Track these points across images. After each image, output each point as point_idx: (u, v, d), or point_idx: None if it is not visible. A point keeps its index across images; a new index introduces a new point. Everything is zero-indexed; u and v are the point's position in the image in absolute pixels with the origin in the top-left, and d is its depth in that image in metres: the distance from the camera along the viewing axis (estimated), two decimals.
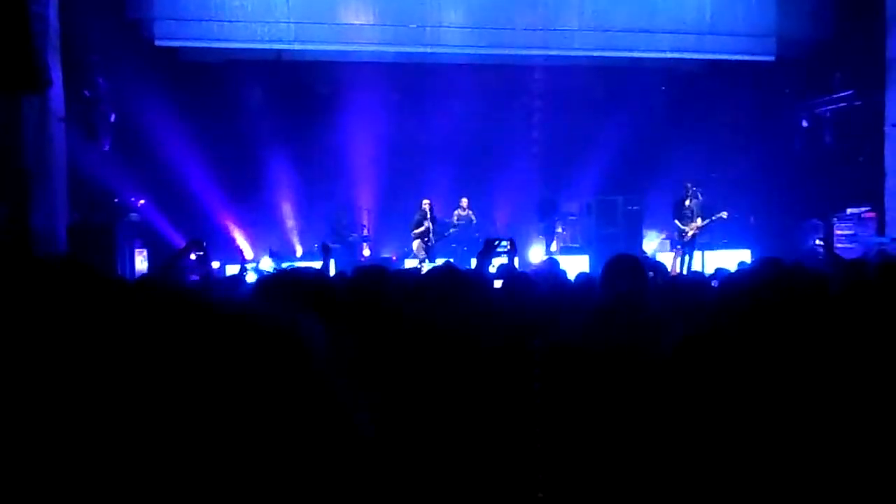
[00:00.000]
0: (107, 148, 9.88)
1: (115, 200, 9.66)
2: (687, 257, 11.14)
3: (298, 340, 1.06)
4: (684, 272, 10.32)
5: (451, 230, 11.90)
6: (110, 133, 9.95)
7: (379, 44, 11.59)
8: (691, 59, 12.55)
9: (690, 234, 11.09)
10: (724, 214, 11.06)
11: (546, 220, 12.35)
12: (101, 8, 9.36)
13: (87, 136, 9.20)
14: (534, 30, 11.64)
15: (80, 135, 8.81)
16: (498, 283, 4.33)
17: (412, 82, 12.74)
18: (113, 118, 9.97)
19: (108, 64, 9.78)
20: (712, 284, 5.01)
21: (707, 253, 11.22)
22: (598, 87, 12.76)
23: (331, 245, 11.76)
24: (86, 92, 9.29)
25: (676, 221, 11.23)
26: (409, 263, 11.67)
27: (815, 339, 1.96)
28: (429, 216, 11.52)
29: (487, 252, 4.37)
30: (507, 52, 12.12)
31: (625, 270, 2.90)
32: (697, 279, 5.47)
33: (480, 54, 12.20)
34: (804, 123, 12.41)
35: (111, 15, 9.74)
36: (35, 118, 7.73)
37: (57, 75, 7.88)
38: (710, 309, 2.75)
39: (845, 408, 1.70)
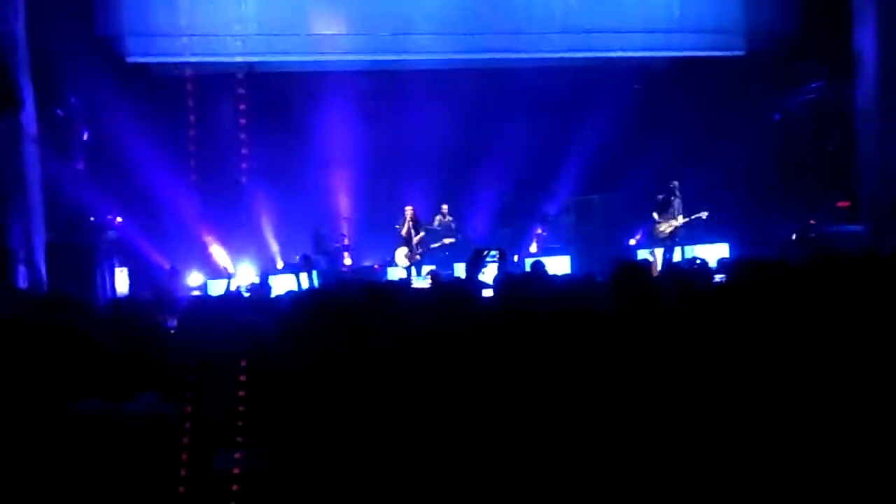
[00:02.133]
0: (81, 167, 9.76)
1: (92, 219, 9.53)
2: (666, 254, 11.24)
3: None
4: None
5: (446, 241, 11.97)
6: (84, 151, 9.83)
7: (352, 53, 11.58)
8: (662, 57, 12.69)
9: (669, 230, 11.21)
10: (704, 214, 11.21)
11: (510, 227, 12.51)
12: (71, 25, 9.25)
13: (61, 155, 9.08)
14: (506, 33, 11.71)
15: (54, 154, 8.69)
16: (487, 293, 4.35)
17: (386, 90, 12.74)
18: (86, 136, 9.86)
19: (80, 82, 9.67)
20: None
21: (686, 248, 11.31)
22: (572, 89, 12.83)
23: (312, 256, 11.82)
24: (58, 111, 9.18)
25: (655, 214, 11.35)
26: (393, 272, 11.65)
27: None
28: (410, 222, 11.54)
29: (476, 262, 4.37)
30: (479, 56, 12.16)
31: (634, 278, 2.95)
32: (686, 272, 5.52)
33: (453, 59, 12.24)
34: (776, 116, 12.60)
35: (81, 32, 9.63)
36: (7, 138, 7.63)
37: (28, 94, 7.79)
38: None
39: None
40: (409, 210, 11.74)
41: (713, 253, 11.05)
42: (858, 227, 10.38)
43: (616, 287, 3.41)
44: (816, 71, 11.85)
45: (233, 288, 9.55)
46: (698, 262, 6.13)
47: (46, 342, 1.39)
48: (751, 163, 12.23)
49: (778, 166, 12.04)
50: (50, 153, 8.44)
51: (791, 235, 11.08)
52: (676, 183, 11.33)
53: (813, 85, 11.94)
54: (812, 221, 11.04)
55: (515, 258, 12.10)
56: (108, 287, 8.73)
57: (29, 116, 7.92)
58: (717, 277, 5.77)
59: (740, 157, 12.12)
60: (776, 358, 1.94)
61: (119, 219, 10.27)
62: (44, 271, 7.73)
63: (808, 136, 12.11)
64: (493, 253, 5.50)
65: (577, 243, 12.35)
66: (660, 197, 11.59)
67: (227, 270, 11.60)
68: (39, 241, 7.84)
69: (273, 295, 6.57)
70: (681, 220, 11.13)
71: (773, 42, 12.07)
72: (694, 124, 12.32)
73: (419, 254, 11.80)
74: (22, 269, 7.32)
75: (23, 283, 7.27)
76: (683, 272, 5.85)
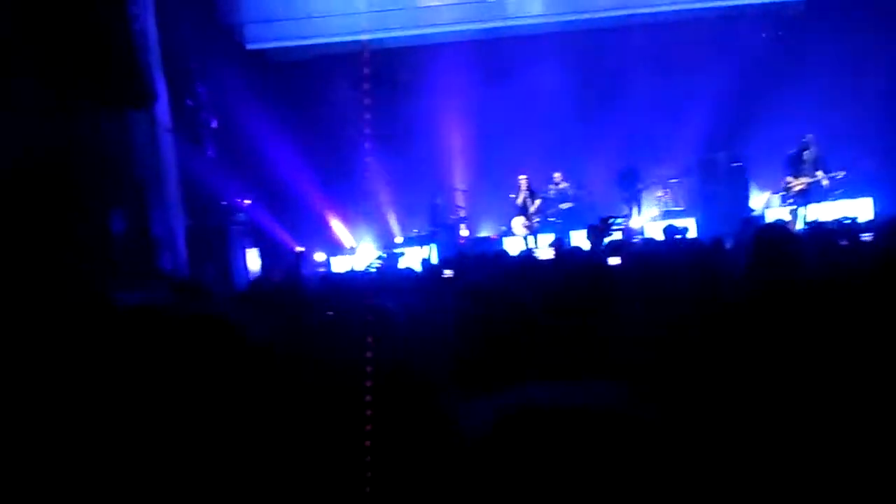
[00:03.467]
0: (211, 153, 10.25)
1: (223, 203, 10.01)
2: (802, 210, 10.57)
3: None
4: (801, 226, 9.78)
5: (562, 206, 11.83)
6: (213, 139, 10.31)
7: (458, 23, 11.49)
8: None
9: (799, 188, 10.52)
10: (841, 174, 10.45)
11: (629, 189, 11.97)
12: (195, 16, 9.67)
13: (193, 144, 9.55)
14: None
15: (186, 143, 9.15)
16: (615, 260, 4.21)
17: (495, 58, 12.56)
18: (214, 124, 10.33)
19: (206, 71, 10.11)
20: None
21: (825, 205, 10.57)
22: (693, 43, 12.17)
23: (429, 228, 11.97)
24: (188, 101, 9.64)
25: (790, 179, 10.67)
26: (510, 242, 11.60)
27: None
28: (526, 191, 11.42)
29: (603, 230, 4.26)
30: (589, 15, 11.76)
31: (774, 241, 2.74)
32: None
33: (562, 21, 11.89)
34: None
35: (204, 22, 10.04)
36: (144, 131, 8.09)
37: (161, 87, 8.20)
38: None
39: None
40: (523, 179, 11.59)
41: (856, 210, 10.29)
42: None
43: (756, 255, 3.18)
44: None
45: (358, 265, 9.83)
46: (847, 221, 5.70)
47: (202, 330, 1.41)
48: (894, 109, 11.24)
49: None
50: (183, 142, 8.89)
51: None
52: (811, 136, 10.55)
53: None
54: None
55: (637, 223, 11.73)
56: (242, 267, 9.16)
57: (163, 109, 8.35)
58: (865, 237, 5.35)
59: (885, 103, 11.14)
60: None
61: (248, 201, 10.74)
62: (184, 255, 8.19)
63: None
64: (619, 220, 5.36)
65: (701, 204, 11.81)
66: (791, 152, 10.84)
67: (349, 247, 11.94)
68: (179, 226, 8.31)
69: (401, 267, 6.66)
70: (819, 175, 10.38)
71: None
72: (830, 72, 11.39)
73: (536, 222, 11.65)
74: (166, 254, 7.78)
75: (167, 267, 7.74)
76: (828, 233, 5.46)
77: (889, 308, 2.14)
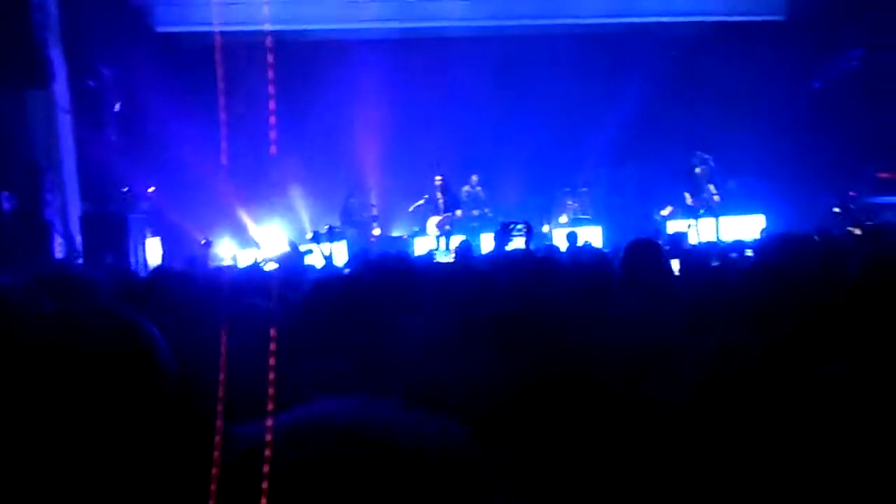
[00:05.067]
0: (113, 138, 9.84)
1: (125, 190, 9.64)
2: (695, 224, 11.05)
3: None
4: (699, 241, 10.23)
5: (474, 212, 11.90)
6: (116, 123, 9.90)
7: (380, 20, 11.45)
8: (700, 22, 12.34)
9: (691, 202, 11.00)
10: (731, 184, 10.97)
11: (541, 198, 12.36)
12: None
13: (94, 127, 9.16)
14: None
15: (87, 126, 8.77)
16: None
17: (415, 58, 12.58)
18: (118, 107, 9.92)
19: (111, 53, 9.71)
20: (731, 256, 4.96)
21: (721, 219, 11.10)
22: (607, 56, 12.55)
23: (340, 227, 11.86)
24: (90, 82, 9.23)
25: (686, 194, 11.13)
26: (421, 242, 11.64)
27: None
28: (440, 192, 11.47)
29: (504, 235, 4.35)
30: (511, 22, 11.94)
31: (647, 256, 2.87)
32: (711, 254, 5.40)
33: (483, 26, 12.03)
34: (816, 84, 12.21)
35: (111, 2, 9.64)
36: (41, 111, 7.71)
37: (60, 67, 7.83)
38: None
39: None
40: (438, 179, 11.65)
41: (749, 225, 10.85)
42: None
43: (626, 266, 3.32)
44: (859, 37, 11.42)
45: (261, 259, 9.65)
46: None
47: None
48: (789, 132, 11.92)
49: (817, 135, 11.70)
50: (83, 125, 8.51)
51: (831, 207, 10.81)
52: (707, 156, 11.05)
53: (855, 52, 11.52)
54: (851, 193, 10.75)
55: (546, 228, 12.01)
56: (142, 258, 8.83)
57: (61, 88, 7.98)
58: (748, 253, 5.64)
59: (779, 125, 11.81)
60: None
61: (152, 189, 10.37)
62: (79, 242, 7.85)
63: (849, 105, 11.72)
64: (519, 226, 5.46)
65: (608, 213, 12.20)
66: (688, 169, 11.32)
67: (257, 241, 11.71)
68: (74, 212, 7.96)
69: (306, 264, 6.58)
70: (712, 190, 10.87)
71: (815, 5, 11.65)
72: (732, 93, 11.99)
73: (449, 223, 11.74)
74: (58, 240, 7.43)
75: (59, 254, 7.40)
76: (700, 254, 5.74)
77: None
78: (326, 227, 12.20)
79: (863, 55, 11.37)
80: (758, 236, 8.78)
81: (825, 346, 1.62)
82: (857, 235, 4.99)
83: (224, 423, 0.62)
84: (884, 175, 10.78)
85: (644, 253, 2.95)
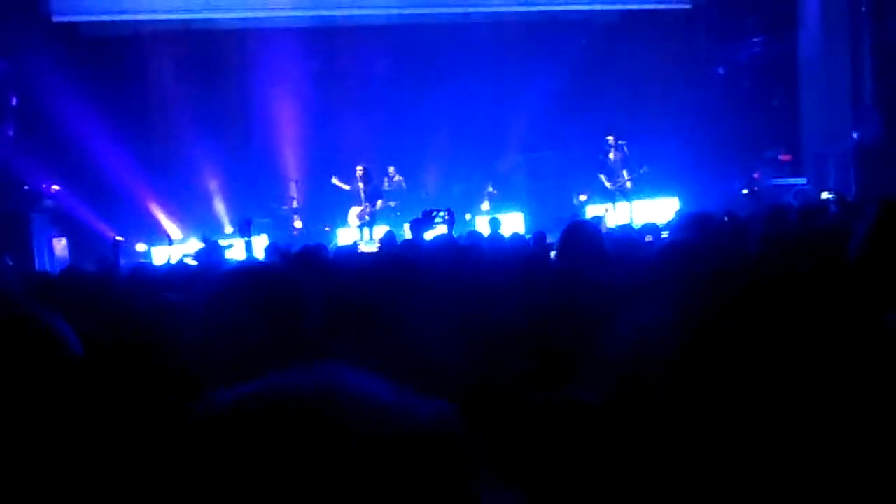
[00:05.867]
0: (10, 133, 9.31)
1: (26, 188, 9.14)
2: (611, 207, 11.34)
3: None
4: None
5: (391, 203, 11.78)
6: (14, 117, 9.37)
7: (291, 8, 11.22)
8: (608, 11, 12.65)
9: (613, 187, 11.26)
10: (643, 170, 11.27)
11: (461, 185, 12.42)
12: None
13: None
14: None
15: None
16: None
17: (329, 47, 12.42)
18: (15, 102, 9.38)
19: (5, 44, 9.17)
20: (645, 240, 5.10)
21: (635, 202, 11.42)
22: (519, 44, 12.71)
23: (260, 219, 11.59)
24: None
25: (602, 176, 11.37)
26: (344, 233, 11.52)
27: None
28: (361, 182, 11.33)
29: (425, 223, 4.34)
30: (422, 10, 11.93)
31: (583, 239, 2.93)
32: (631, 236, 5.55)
33: (397, 14, 11.96)
34: (721, 70, 12.71)
35: None
36: None
37: None
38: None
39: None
40: (359, 169, 11.52)
41: (663, 207, 11.21)
42: (800, 180, 10.63)
43: (564, 248, 3.38)
44: (761, 24, 11.95)
45: (177, 255, 9.33)
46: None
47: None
48: (696, 117, 12.37)
49: (722, 120, 12.19)
50: None
51: (736, 188, 11.29)
52: (621, 142, 11.32)
53: (757, 38, 12.05)
54: (756, 175, 11.26)
55: (468, 216, 12.08)
56: (47, 258, 8.41)
57: None
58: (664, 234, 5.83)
59: (686, 110, 12.24)
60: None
61: (56, 187, 9.87)
62: None
63: (752, 90, 12.27)
64: (441, 214, 5.47)
65: (529, 200, 12.38)
66: (602, 155, 11.57)
67: (171, 237, 11.31)
68: None
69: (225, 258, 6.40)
70: (625, 176, 11.16)
71: None
72: (640, 78, 12.35)
73: (369, 214, 11.65)
74: None
75: None
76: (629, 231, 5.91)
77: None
78: (245, 219, 11.90)
79: (764, 41, 11.91)
80: (671, 218, 9.08)
81: (732, 314, 1.69)
82: (760, 216, 5.23)
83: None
84: (785, 158, 11.34)
85: (581, 234, 3.01)
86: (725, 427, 1.26)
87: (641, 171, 11.17)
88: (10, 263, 7.18)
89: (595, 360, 1.56)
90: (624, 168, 11.18)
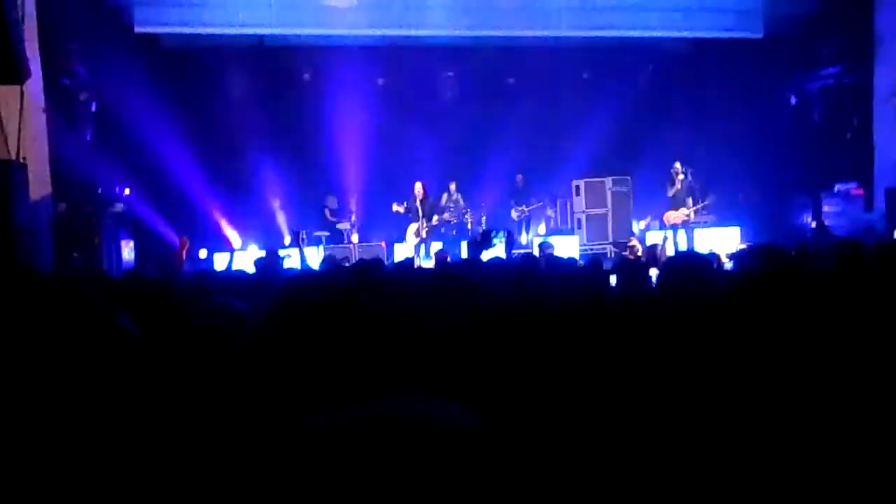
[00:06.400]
0: (88, 137, 9.70)
1: (99, 191, 9.49)
2: (676, 237, 11.11)
3: None
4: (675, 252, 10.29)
5: (446, 216, 11.83)
6: (91, 122, 9.76)
7: (362, 27, 11.42)
8: (678, 38, 12.47)
9: (677, 218, 11.02)
10: (710, 200, 11.03)
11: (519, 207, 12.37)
12: None
13: (68, 126, 9.01)
14: (519, 10, 11.51)
15: (61, 125, 8.62)
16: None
17: (396, 66, 12.60)
18: (94, 107, 9.78)
19: (88, 52, 9.58)
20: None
21: (697, 231, 11.18)
22: (585, 68, 12.68)
23: (312, 233, 11.77)
24: (65, 80, 9.09)
25: (670, 198, 11.13)
26: (401, 249, 11.60)
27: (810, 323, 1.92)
28: (420, 199, 11.39)
29: (482, 243, 4.34)
30: (491, 33, 11.98)
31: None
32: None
33: (465, 36, 12.05)
34: (792, 100, 12.40)
35: (89, 1, 9.52)
36: (15, 108, 7.54)
37: (35, 64, 7.69)
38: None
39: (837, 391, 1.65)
40: (418, 186, 11.60)
41: (724, 237, 10.96)
42: (872, 215, 10.25)
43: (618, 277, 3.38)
44: (835, 54, 11.62)
45: (238, 262, 9.53)
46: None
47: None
48: (766, 147, 12.09)
49: (793, 151, 11.87)
50: (57, 124, 8.37)
51: (805, 221, 10.97)
52: (688, 169, 11.11)
53: (831, 69, 11.72)
54: (826, 208, 10.91)
55: (524, 238, 12.03)
56: (115, 260, 8.70)
57: (36, 87, 7.84)
58: (728, 265, 5.69)
59: (756, 140, 11.97)
60: (789, 360, 1.86)
61: (127, 191, 10.23)
62: (50, 244, 7.69)
63: (825, 121, 11.92)
64: (500, 234, 5.46)
65: (586, 225, 12.26)
66: (670, 183, 11.38)
67: (232, 244, 11.59)
68: (46, 212, 7.81)
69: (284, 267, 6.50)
70: (690, 205, 10.93)
71: (792, 24, 11.85)
72: (709, 107, 12.17)
73: (427, 231, 11.69)
74: (28, 241, 7.28)
75: (28, 256, 7.24)
76: (691, 260, 5.77)
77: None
78: (304, 232, 12.10)
79: (838, 72, 11.57)
80: (733, 248, 8.87)
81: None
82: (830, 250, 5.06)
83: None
84: (857, 192, 10.95)
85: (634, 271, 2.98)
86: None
87: (707, 204, 10.96)
88: (80, 263, 7.44)
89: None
90: (689, 196, 10.96)
